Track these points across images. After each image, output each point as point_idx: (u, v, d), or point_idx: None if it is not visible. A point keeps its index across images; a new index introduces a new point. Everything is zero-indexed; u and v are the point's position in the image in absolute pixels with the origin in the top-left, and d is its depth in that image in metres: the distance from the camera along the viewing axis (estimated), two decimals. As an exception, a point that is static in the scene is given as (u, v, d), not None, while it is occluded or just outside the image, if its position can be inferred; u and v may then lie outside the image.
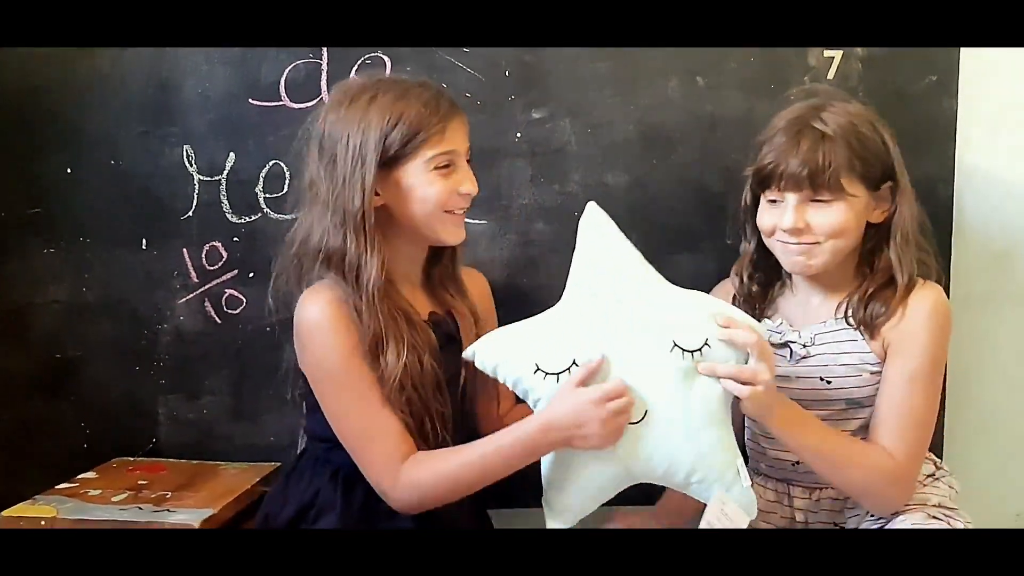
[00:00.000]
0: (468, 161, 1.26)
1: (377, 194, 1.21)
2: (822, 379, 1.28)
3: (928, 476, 1.32)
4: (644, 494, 1.34)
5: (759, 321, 1.27)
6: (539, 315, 1.21)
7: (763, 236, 1.30)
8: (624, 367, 1.14)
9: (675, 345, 1.13)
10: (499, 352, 1.20)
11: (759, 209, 1.30)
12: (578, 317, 1.18)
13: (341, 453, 1.24)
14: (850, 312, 1.28)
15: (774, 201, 1.26)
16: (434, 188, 1.21)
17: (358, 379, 1.19)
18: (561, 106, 1.51)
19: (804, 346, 1.29)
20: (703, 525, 1.16)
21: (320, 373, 1.22)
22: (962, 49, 1.47)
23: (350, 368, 1.19)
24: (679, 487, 1.19)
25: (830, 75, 1.47)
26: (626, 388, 1.13)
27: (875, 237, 1.28)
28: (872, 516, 1.29)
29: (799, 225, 1.23)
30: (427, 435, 1.22)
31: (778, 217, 1.25)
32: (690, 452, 1.15)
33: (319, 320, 1.20)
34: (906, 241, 1.26)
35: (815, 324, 1.31)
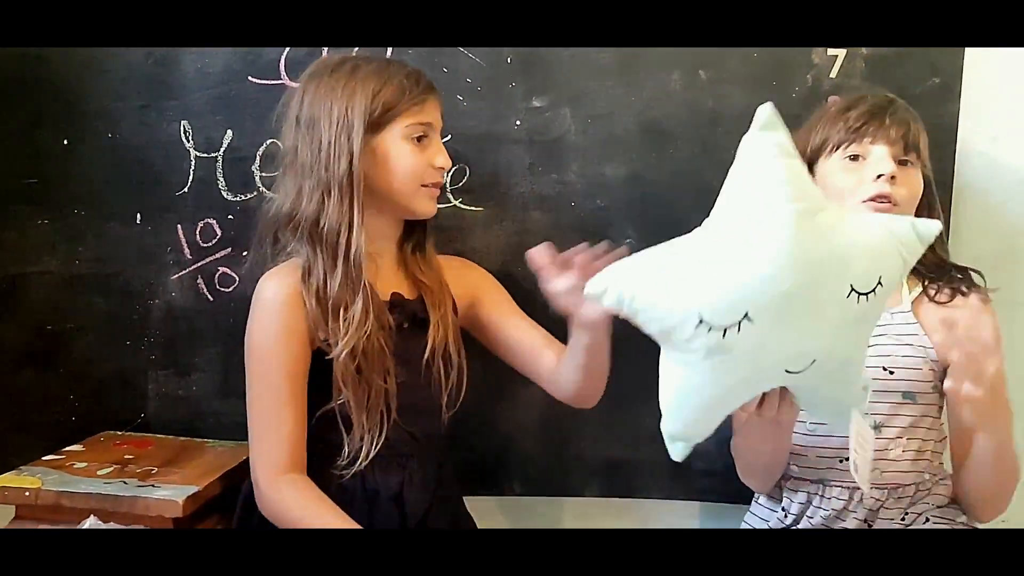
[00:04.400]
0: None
1: None
2: (885, 368, 1.27)
3: (950, 475, 1.33)
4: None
5: None
6: (687, 241, 1.02)
7: (835, 201, 1.21)
8: (796, 315, 0.98)
9: (852, 290, 0.98)
10: (645, 293, 0.99)
11: (830, 173, 1.28)
12: (743, 254, 0.97)
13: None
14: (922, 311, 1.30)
15: (855, 158, 1.26)
16: (409, 158, 1.24)
17: (277, 368, 1.22)
18: (562, 95, 1.50)
19: None
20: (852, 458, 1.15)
21: (248, 348, 1.25)
22: (966, 53, 1.46)
23: (275, 355, 1.22)
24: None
25: (833, 73, 1.46)
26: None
27: None
28: (903, 519, 1.29)
29: (895, 172, 1.23)
30: (369, 408, 1.23)
31: (859, 173, 1.25)
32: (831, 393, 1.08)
33: (269, 299, 1.24)
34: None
35: None
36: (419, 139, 1.25)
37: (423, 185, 1.27)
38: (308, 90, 1.24)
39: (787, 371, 1.02)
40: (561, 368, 1.30)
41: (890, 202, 1.23)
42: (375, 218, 1.27)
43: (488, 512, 1.59)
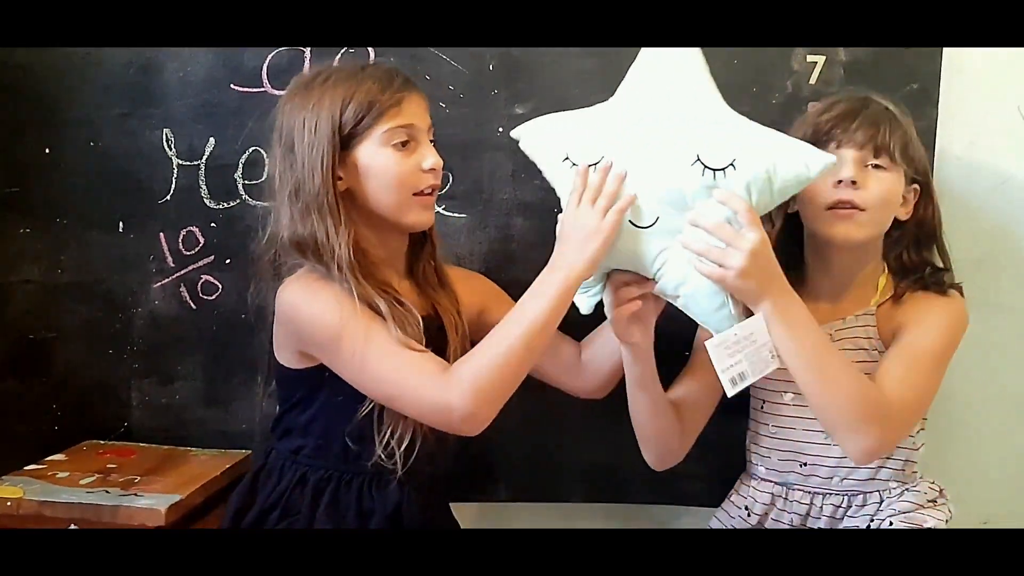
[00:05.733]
0: (433, 143, 1.24)
1: (340, 178, 1.19)
2: None
3: (930, 502, 1.32)
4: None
5: None
6: (587, 108, 1.23)
7: (802, 207, 1.27)
8: (646, 171, 1.13)
9: (698, 159, 1.11)
10: (538, 137, 1.25)
11: None
12: (619, 112, 1.20)
13: (306, 456, 1.24)
14: (883, 315, 1.30)
15: None
16: (394, 167, 1.18)
17: (366, 326, 1.14)
18: (545, 101, 1.49)
19: None
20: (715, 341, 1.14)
21: (326, 337, 1.16)
22: (944, 59, 1.48)
23: (354, 318, 1.14)
24: (666, 295, 1.19)
25: (812, 79, 1.47)
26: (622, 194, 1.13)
27: (899, 238, 1.31)
28: (869, 526, 1.28)
29: (857, 177, 1.22)
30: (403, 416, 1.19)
31: (829, 177, 1.22)
32: (685, 266, 1.14)
33: (305, 293, 1.18)
34: (940, 246, 1.33)
35: (833, 321, 1.30)
36: (403, 144, 1.19)
37: (415, 194, 1.21)
38: (285, 108, 1.21)
39: (631, 222, 1.13)
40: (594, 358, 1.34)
41: (854, 207, 1.22)
42: (374, 234, 1.23)
43: (474, 518, 1.59)
